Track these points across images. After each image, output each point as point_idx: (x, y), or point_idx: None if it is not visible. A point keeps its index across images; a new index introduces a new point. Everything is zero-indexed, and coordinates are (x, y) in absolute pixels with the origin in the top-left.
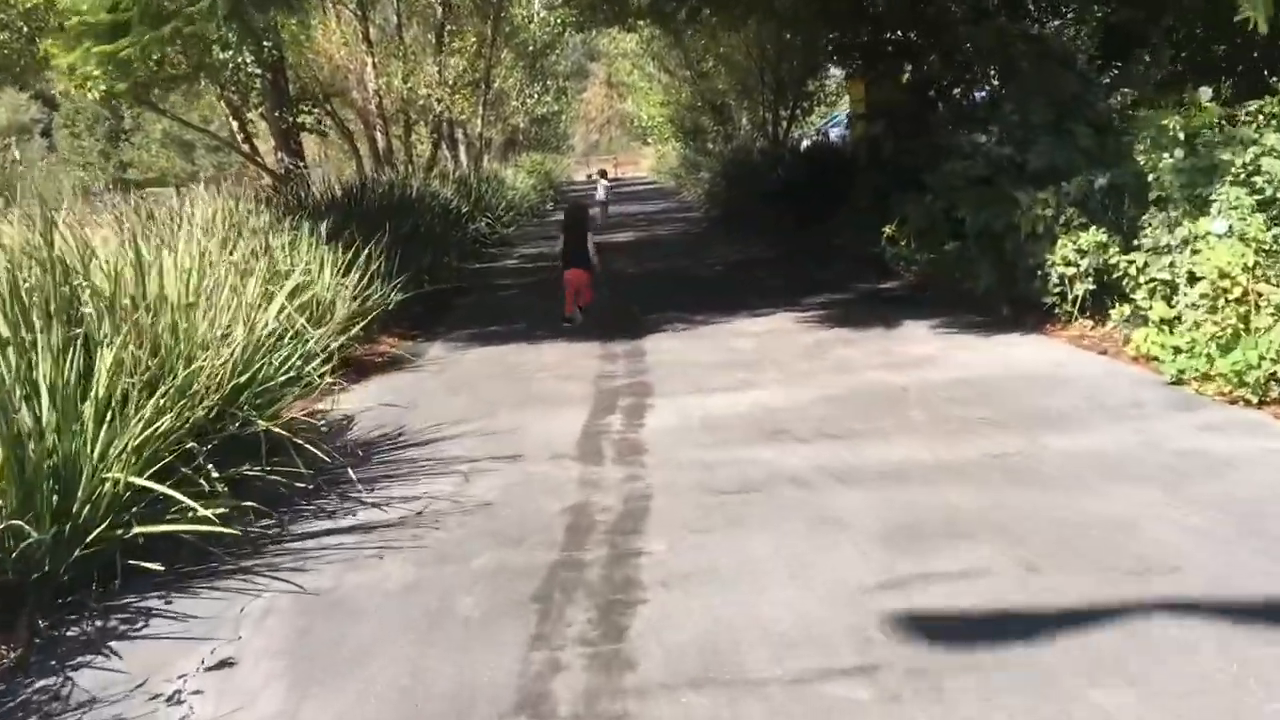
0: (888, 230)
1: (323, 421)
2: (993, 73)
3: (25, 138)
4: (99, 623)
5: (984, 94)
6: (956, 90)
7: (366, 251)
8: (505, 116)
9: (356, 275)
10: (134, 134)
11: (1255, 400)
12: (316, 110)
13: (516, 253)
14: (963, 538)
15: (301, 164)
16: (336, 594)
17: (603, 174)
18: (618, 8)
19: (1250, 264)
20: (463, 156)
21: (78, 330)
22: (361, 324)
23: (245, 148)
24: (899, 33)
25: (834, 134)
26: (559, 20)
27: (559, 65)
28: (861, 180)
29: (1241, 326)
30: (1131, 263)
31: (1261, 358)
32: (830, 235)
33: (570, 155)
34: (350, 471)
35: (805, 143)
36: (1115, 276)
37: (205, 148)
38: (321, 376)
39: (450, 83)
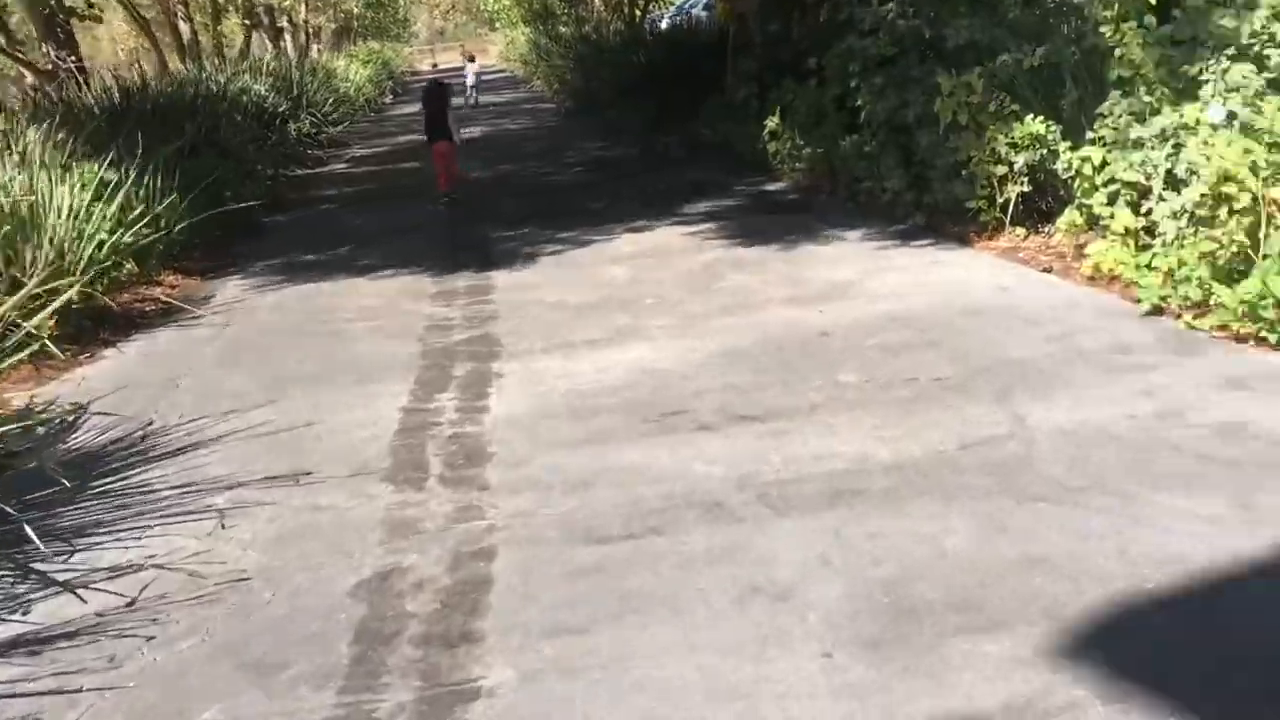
0: (770, 123)
1: (37, 416)
2: None
3: None
4: None
5: None
6: None
7: (151, 165)
8: (336, 2)
9: (122, 198)
10: None
11: (1276, 339)
12: None
13: (347, 155)
14: (982, 626)
15: (71, 57)
16: None
17: (471, 59)
18: None
19: (1263, 163)
20: (289, 48)
21: None
22: (124, 264)
23: None
24: None
25: (697, 14)
26: None
27: None
28: (734, 66)
29: (1248, 244)
30: (1085, 160)
31: None
32: (703, 129)
33: (413, 44)
34: (28, 528)
35: (664, 24)
36: (1061, 177)
37: None
38: (40, 345)
39: None
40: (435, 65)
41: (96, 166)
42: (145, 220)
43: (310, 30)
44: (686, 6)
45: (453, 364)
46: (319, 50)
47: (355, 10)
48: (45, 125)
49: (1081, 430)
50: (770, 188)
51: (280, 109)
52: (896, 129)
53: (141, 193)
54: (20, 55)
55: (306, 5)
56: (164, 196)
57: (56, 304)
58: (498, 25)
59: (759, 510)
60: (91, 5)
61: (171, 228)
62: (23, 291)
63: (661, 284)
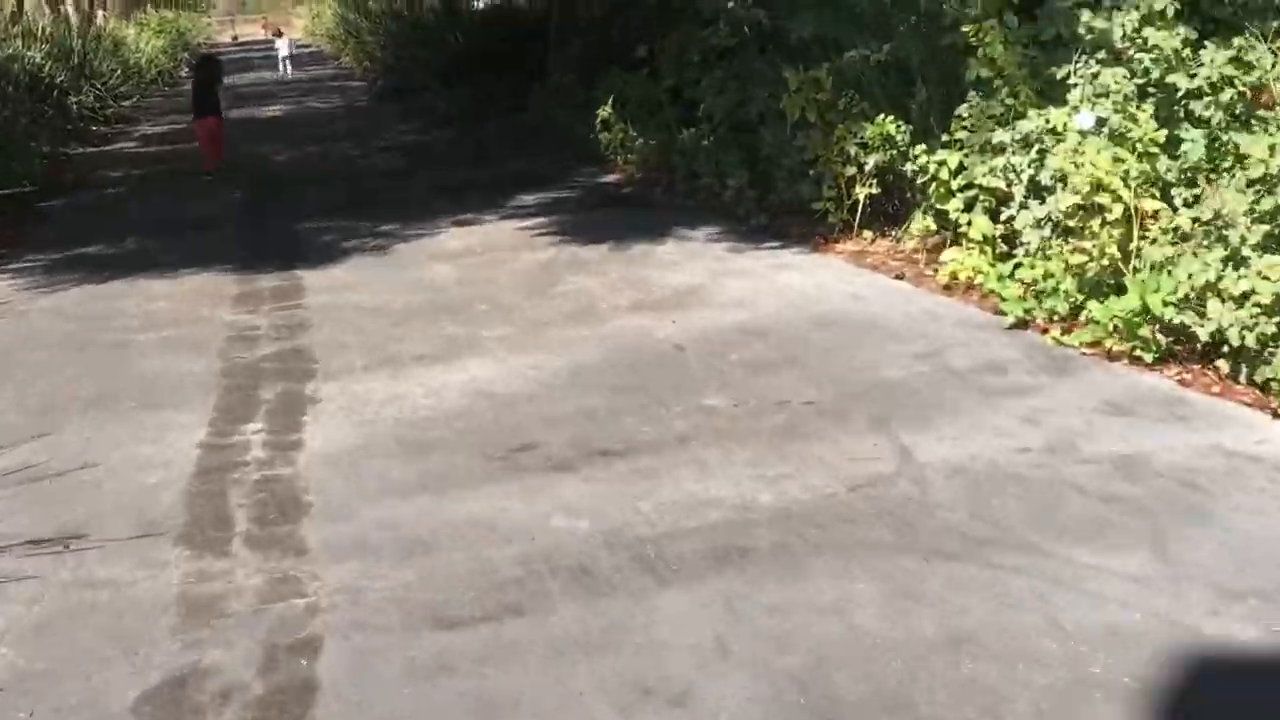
0: (602, 113)
1: None
2: None
3: None
4: None
5: None
6: None
7: None
8: None
9: None
10: None
11: (1150, 359)
12: None
13: (138, 132)
14: None
15: None
16: None
17: (279, 33)
18: None
19: (1135, 173)
20: (70, 13)
21: None
22: None
23: None
24: None
25: None
26: None
27: None
28: (559, 51)
29: (1119, 257)
30: (942, 164)
31: (1166, 302)
32: (527, 116)
33: (211, 14)
34: None
35: (481, 3)
36: (910, 179)
37: None
38: None
39: None
40: (236, 38)
41: None
42: None
43: None
44: None
45: (259, 385)
46: (105, 17)
47: None
48: None
49: (973, 466)
50: (603, 179)
51: (59, 80)
52: (738, 124)
53: None
54: None
55: None
56: None
57: None
58: None
59: (636, 577)
60: None
61: None
62: None
63: (494, 286)
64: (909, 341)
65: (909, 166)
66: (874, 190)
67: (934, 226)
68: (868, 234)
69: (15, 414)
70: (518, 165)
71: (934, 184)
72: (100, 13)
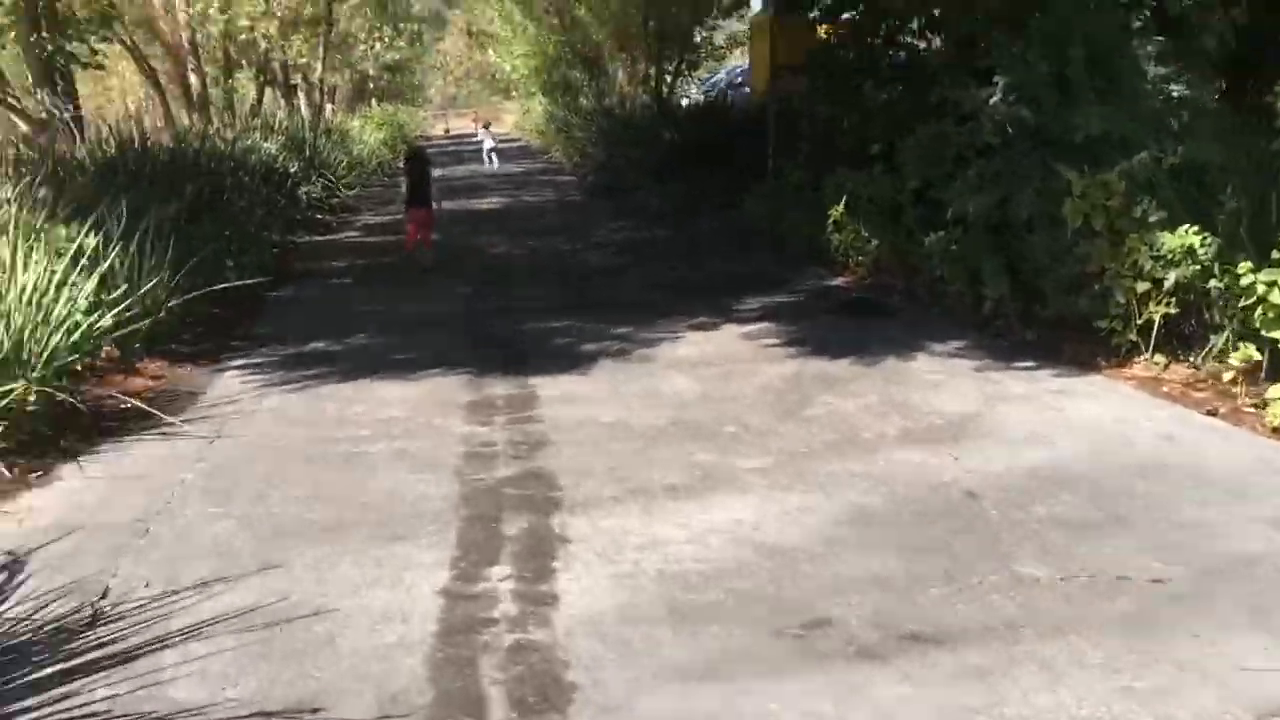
0: (834, 212)
1: None
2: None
3: None
4: None
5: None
6: (909, 37)
7: (143, 229)
8: (353, 62)
9: (105, 269)
10: None
11: None
12: (99, 37)
13: (360, 221)
14: None
15: (69, 107)
16: None
17: (486, 125)
18: None
19: None
20: (302, 106)
21: None
22: (100, 351)
23: None
24: None
25: (722, 87)
26: None
27: (414, 6)
28: (780, 149)
29: None
30: (1272, 284)
31: None
32: (742, 213)
33: (426, 109)
34: None
35: (685, 101)
36: (1216, 299)
37: None
38: None
39: (279, 15)
40: (448, 131)
41: (76, 230)
42: (131, 297)
43: (325, 89)
44: (714, 81)
45: (501, 516)
46: (333, 110)
47: (372, 72)
48: (26, 182)
49: None
50: (832, 283)
51: (291, 170)
52: (995, 228)
53: (128, 263)
54: (11, 100)
55: (323, 64)
56: (156, 268)
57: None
58: (514, 94)
59: None
60: (96, 53)
61: (161, 306)
62: None
63: (739, 404)
64: (1255, 501)
65: (1214, 284)
66: (1170, 309)
67: (1255, 355)
68: (1160, 358)
69: (243, 539)
70: (738, 265)
71: (1259, 306)
72: (329, 106)
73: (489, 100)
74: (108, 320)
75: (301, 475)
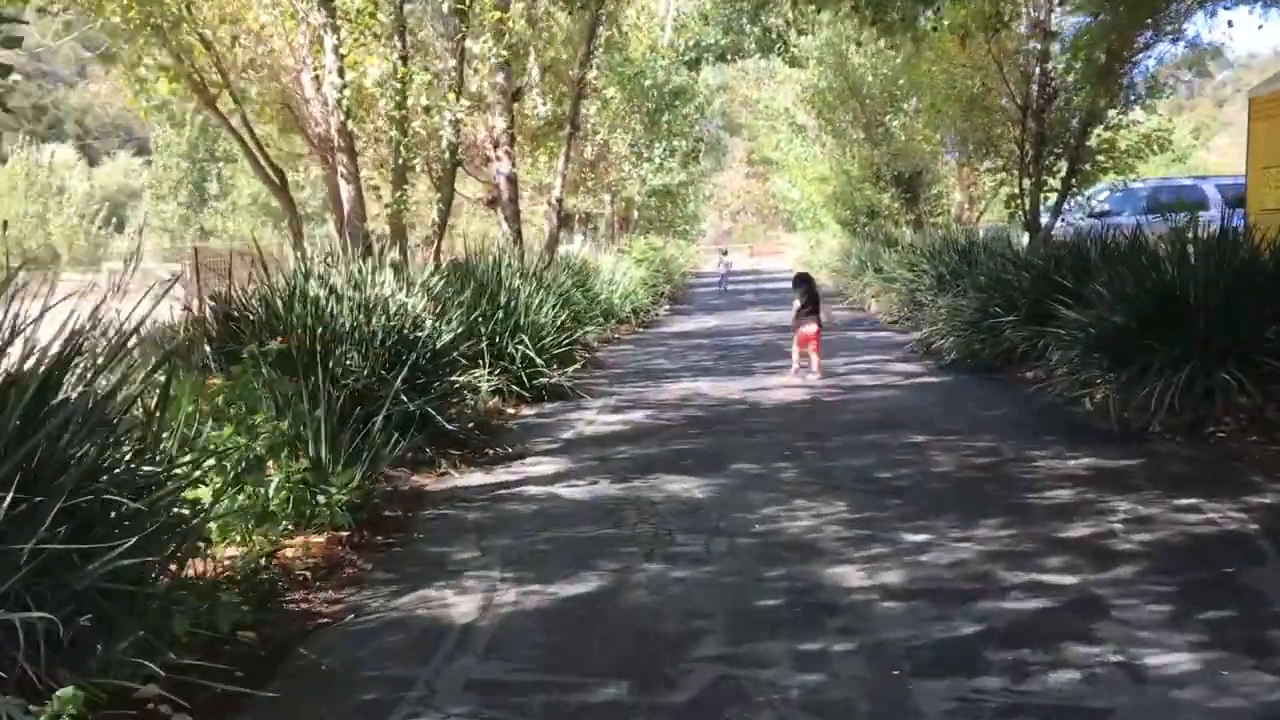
0: None
1: None
2: None
3: (134, 202)
4: None
5: None
6: None
7: None
8: (614, 187)
9: None
10: (220, 199)
11: None
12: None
13: (575, 428)
14: None
15: None
16: None
17: (724, 252)
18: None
19: None
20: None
21: None
22: None
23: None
24: None
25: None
26: (688, 47)
27: (687, 116)
28: None
29: None
30: None
31: None
32: None
33: (698, 242)
34: None
35: (1071, 225)
36: None
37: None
38: None
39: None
40: (729, 265)
41: None
42: None
43: (557, 208)
44: (1110, 200)
45: None
46: (585, 241)
47: (637, 199)
48: None
49: None
50: None
51: (439, 340)
52: None
53: None
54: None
55: (563, 179)
56: None
57: None
58: (798, 226)
59: None
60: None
61: None
62: None
63: None
64: None
65: None
66: None
67: None
68: None
69: None
70: None
71: None
72: (579, 238)
73: (765, 234)
74: None
75: None
